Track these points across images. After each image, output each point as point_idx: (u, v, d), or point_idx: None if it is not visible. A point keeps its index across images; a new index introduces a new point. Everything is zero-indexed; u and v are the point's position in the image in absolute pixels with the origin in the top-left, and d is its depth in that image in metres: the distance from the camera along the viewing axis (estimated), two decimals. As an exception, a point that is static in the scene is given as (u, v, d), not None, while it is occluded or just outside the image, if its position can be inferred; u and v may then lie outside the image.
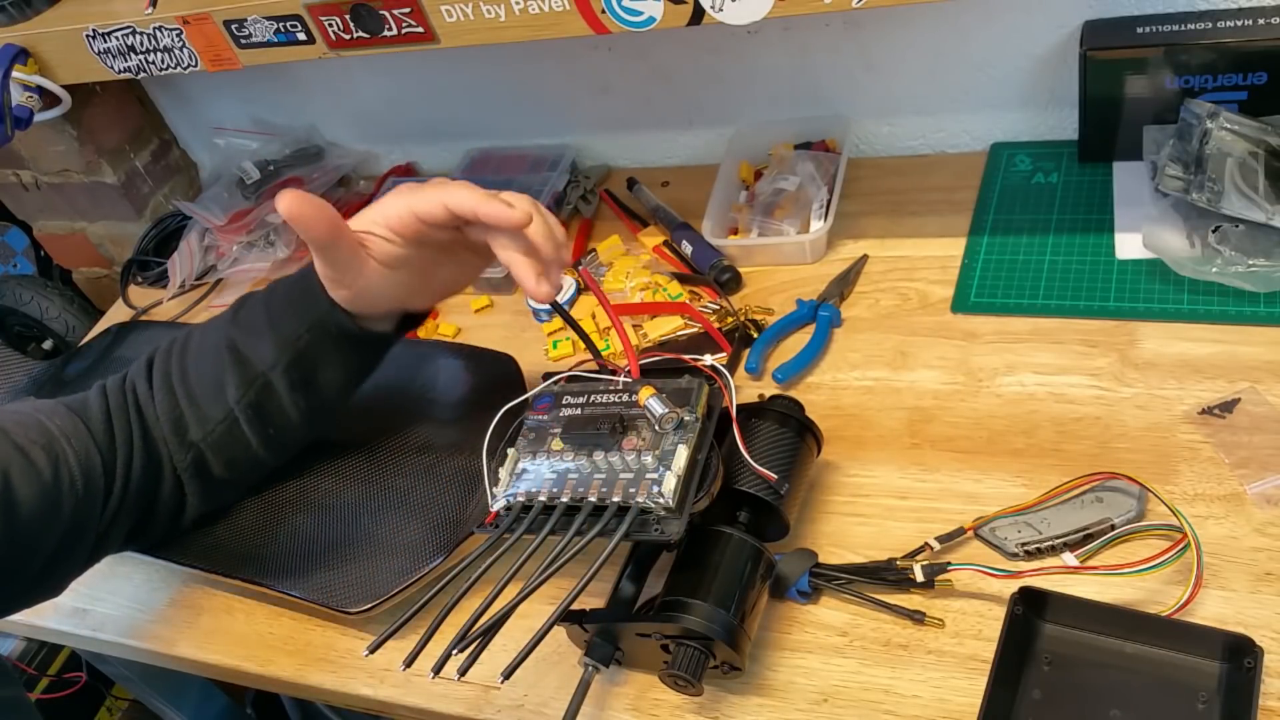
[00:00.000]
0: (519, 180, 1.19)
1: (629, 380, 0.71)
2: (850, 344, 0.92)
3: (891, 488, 0.79)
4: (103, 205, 1.39)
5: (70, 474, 0.73)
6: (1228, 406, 0.75)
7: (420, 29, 0.85)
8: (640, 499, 0.64)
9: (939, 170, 1.07)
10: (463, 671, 0.61)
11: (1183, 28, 0.88)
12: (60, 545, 0.73)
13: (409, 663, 0.62)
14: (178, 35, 0.93)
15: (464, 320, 1.09)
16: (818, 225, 1.00)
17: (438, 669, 0.61)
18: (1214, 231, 0.83)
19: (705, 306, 0.99)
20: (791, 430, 0.74)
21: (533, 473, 0.69)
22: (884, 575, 0.71)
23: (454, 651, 0.62)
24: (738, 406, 0.71)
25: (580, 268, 1.06)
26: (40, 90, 1.03)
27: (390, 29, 0.85)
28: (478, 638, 0.62)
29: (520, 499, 0.68)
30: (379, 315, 0.78)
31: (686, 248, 1.04)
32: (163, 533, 0.82)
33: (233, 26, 0.90)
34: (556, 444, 0.70)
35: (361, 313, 0.76)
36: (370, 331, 0.77)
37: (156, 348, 0.82)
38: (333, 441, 0.89)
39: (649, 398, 0.68)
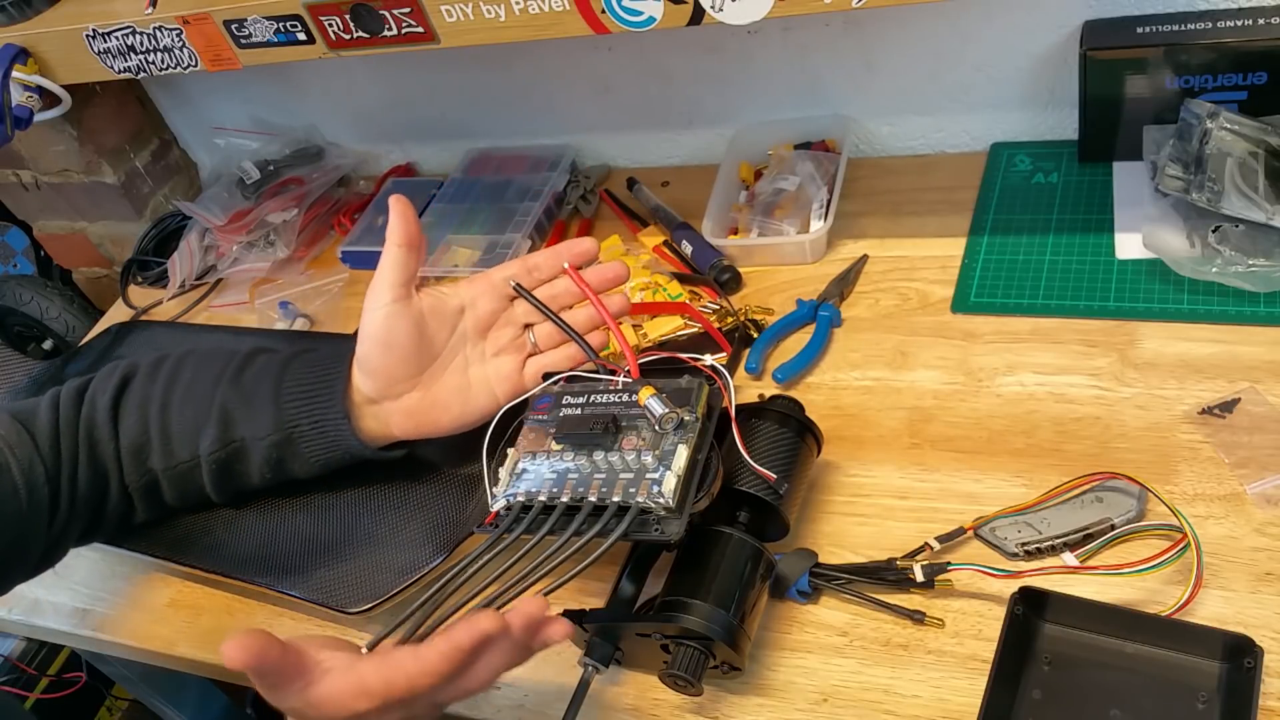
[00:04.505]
0: (519, 180, 1.19)
1: (629, 380, 0.71)
2: (850, 344, 0.92)
3: (891, 488, 0.79)
4: (103, 205, 1.39)
5: (13, 483, 0.73)
6: (1228, 406, 0.75)
7: (420, 29, 0.85)
8: (640, 499, 0.64)
9: (939, 170, 1.07)
10: (462, 671, 0.61)
11: (1183, 28, 0.88)
12: (6, 554, 0.73)
13: (409, 663, 0.62)
14: (178, 35, 0.93)
15: (464, 320, 1.08)
16: (818, 225, 1.00)
17: (437, 669, 0.61)
18: (1214, 231, 0.83)
19: (705, 306, 0.99)
20: (791, 430, 0.74)
21: (532, 473, 0.69)
22: (884, 575, 0.71)
23: (454, 651, 0.62)
24: (737, 406, 0.71)
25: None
26: (40, 90, 1.03)
27: (390, 29, 0.85)
28: (477, 638, 0.62)
29: (520, 499, 0.68)
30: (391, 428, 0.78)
31: (686, 248, 1.04)
32: (113, 533, 0.83)
33: (233, 26, 0.90)
34: (556, 444, 0.70)
35: (379, 403, 0.76)
36: (377, 456, 0.78)
37: (133, 363, 0.81)
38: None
39: (649, 398, 0.68)
